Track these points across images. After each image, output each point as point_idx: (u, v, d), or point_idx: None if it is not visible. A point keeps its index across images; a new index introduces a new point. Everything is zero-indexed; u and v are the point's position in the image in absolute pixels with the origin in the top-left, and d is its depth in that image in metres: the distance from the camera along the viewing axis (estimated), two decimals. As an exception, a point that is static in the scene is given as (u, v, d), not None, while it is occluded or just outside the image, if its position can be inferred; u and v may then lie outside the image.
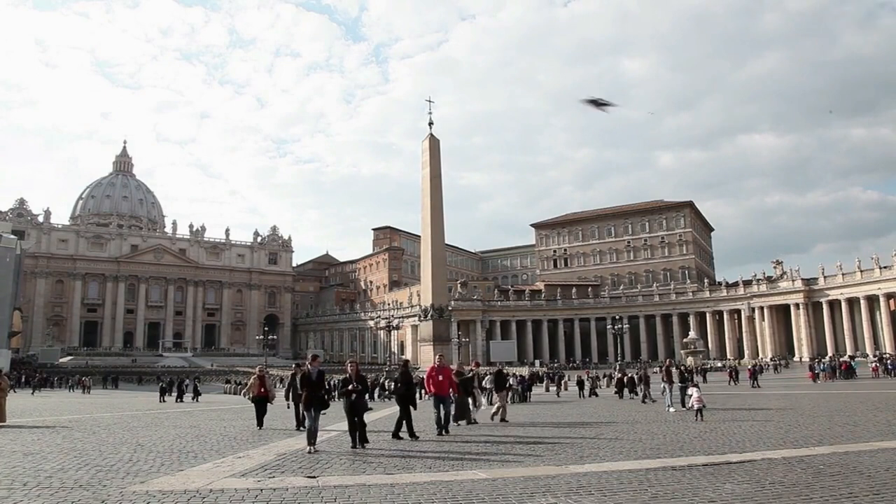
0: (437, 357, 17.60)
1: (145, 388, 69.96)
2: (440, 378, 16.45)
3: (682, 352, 79.60)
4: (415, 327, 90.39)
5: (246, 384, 63.09)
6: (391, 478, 9.55)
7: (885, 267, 78.14)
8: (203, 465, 11.17)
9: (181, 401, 39.75)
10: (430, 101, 67.33)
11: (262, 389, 19.07)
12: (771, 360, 78.82)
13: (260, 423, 18.56)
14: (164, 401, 39.24)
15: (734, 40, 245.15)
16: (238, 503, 7.84)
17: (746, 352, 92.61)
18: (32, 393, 51.72)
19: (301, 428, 17.73)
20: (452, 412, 17.20)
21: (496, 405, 20.62)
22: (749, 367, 46.88)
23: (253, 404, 19.64)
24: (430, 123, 65.71)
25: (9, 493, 8.54)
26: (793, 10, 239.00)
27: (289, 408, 19.24)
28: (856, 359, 60.27)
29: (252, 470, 10.51)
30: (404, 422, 14.95)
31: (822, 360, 56.80)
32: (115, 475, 9.97)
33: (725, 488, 8.29)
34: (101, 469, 10.63)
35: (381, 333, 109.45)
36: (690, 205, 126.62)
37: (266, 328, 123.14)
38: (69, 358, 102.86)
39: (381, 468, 10.71)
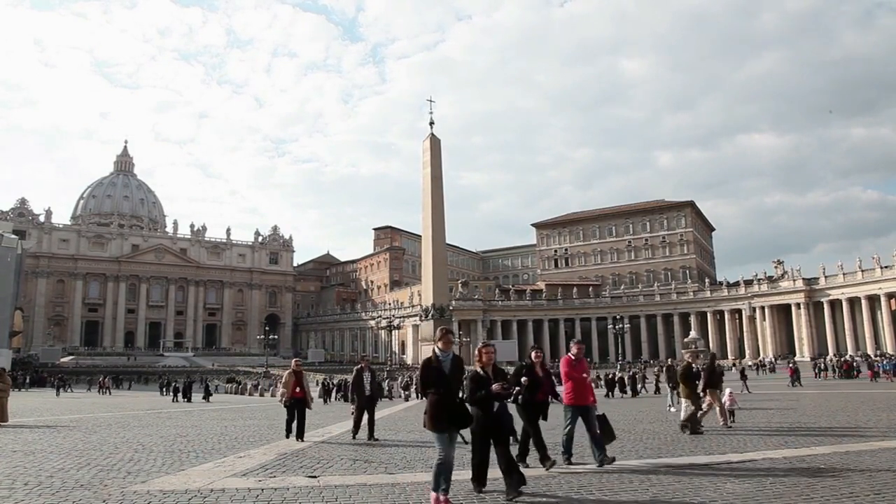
0: (575, 345, 11.55)
1: (147, 387, 70.02)
2: (584, 376, 11.06)
3: (682, 351, 79.55)
4: (416, 327, 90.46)
5: (244, 384, 62.40)
6: (392, 477, 9.56)
7: (885, 267, 78.04)
8: (204, 464, 11.17)
9: (189, 401, 40.35)
10: (430, 101, 67.32)
11: (299, 390, 15.35)
12: (784, 359, 78.78)
13: (289, 431, 15.21)
14: (176, 400, 40.16)
15: (733, 40, 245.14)
16: (239, 503, 7.84)
17: (747, 351, 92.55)
18: (57, 394, 51.27)
19: (356, 437, 15.10)
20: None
21: (706, 407, 16.07)
22: (790, 366, 45.99)
23: (285, 408, 15.63)
24: (431, 123, 65.65)
25: (10, 492, 8.54)
26: (791, 9, 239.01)
27: (352, 413, 16.05)
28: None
29: (253, 470, 10.51)
30: (531, 441, 10.39)
31: (885, 358, 55.25)
32: (116, 475, 9.98)
33: (726, 488, 8.28)
34: (102, 469, 10.64)
35: (382, 333, 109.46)
36: (691, 204, 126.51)
37: (267, 328, 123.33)
38: (70, 358, 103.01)
39: (382, 468, 10.72)
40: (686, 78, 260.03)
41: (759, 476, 9.15)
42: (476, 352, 8.22)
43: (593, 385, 11.94)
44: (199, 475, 9.89)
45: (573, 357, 11.18)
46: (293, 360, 16.54)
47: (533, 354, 11.04)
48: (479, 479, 8.07)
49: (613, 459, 10.12)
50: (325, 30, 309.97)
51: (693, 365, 15.71)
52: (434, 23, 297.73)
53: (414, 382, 46.41)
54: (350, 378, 20.03)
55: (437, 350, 7.78)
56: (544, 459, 9.83)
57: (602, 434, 10.60)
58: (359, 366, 16.13)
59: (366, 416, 15.31)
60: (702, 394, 16.09)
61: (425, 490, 8.43)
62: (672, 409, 22.31)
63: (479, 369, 8.14)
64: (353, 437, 15.07)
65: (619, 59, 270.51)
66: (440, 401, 7.47)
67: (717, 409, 16.21)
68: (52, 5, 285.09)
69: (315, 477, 9.63)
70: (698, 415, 15.34)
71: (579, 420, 10.66)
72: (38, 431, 18.13)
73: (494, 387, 7.78)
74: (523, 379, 10.19)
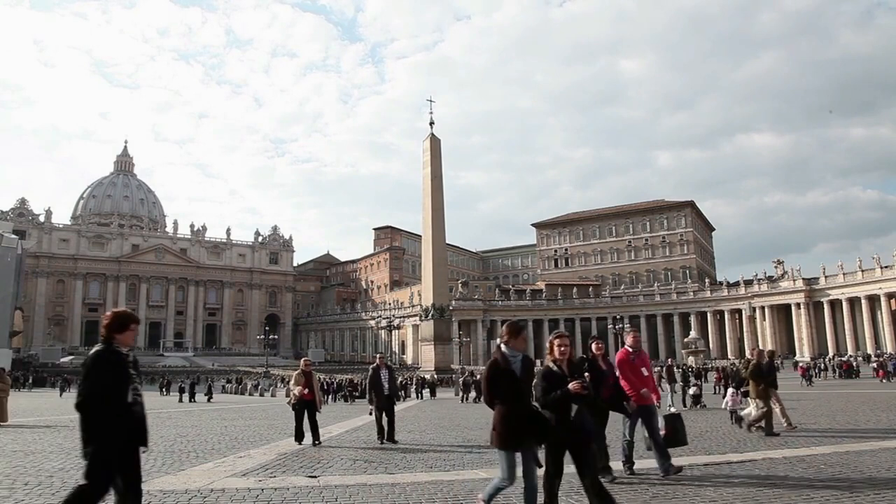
0: (630, 335, 10.25)
1: (151, 386, 70.00)
2: (644, 371, 9.65)
3: (682, 351, 79.57)
4: (416, 327, 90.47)
5: (244, 384, 62.49)
6: (392, 477, 9.55)
7: (885, 266, 78.00)
8: (204, 464, 11.18)
9: (193, 400, 40.69)
10: (430, 101, 67.39)
11: (308, 391, 14.33)
12: (784, 359, 78.71)
13: (298, 435, 14.16)
14: (182, 401, 40.45)
15: (731, 40, 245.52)
16: (239, 503, 7.84)
17: (748, 352, 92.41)
18: (60, 395, 50.92)
19: (385, 441, 14.09)
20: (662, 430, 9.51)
21: (775, 406, 14.91)
22: (802, 365, 45.73)
23: (293, 410, 14.59)
24: (431, 123, 65.61)
25: (10, 492, 8.54)
26: (789, 9, 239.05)
27: (371, 413, 15.25)
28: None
29: (253, 469, 10.52)
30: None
31: (886, 357, 54.94)
32: (117, 475, 9.96)
33: (726, 488, 8.28)
34: (103, 469, 10.61)
35: (382, 333, 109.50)
36: (691, 204, 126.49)
37: (267, 328, 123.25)
38: (70, 357, 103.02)
39: (382, 468, 10.71)
40: (685, 78, 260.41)
41: (759, 476, 9.14)
42: (548, 344, 6.68)
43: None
44: (199, 475, 9.89)
45: (631, 349, 9.71)
46: (302, 360, 15.85)
47: (594, 346, 9.62)
48: (552, 498, 6.58)
49: (680, 469, 8.94)
50: (325, 30, 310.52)
51: (762, 363, 14.73)
52: (433, 23, 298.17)
53: (413, 382, 46.33)
54: (358, 377, 19.20)
55: (504, 349, 6.28)
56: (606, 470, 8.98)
57: (671, 437, 9.31)
58: (374, 364, 15.26)
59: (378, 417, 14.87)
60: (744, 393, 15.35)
61: (425, 490, 8.43)
62: (672, 410, 22.28)
63: (552, 365, 6.53)
64: (381, 442, 14.16)
65: (617, 58, 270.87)
66: (513, 412, 6.10)
67: (778, 410, 15.24)
68: (51, 5, 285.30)
69: (315, 477, 9.63)
70: (764, 414, 14.48)
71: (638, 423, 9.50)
72: (38, 431, 18.12)
73: (572, 385, 6.24)
74: (586, 375, 8.50)
